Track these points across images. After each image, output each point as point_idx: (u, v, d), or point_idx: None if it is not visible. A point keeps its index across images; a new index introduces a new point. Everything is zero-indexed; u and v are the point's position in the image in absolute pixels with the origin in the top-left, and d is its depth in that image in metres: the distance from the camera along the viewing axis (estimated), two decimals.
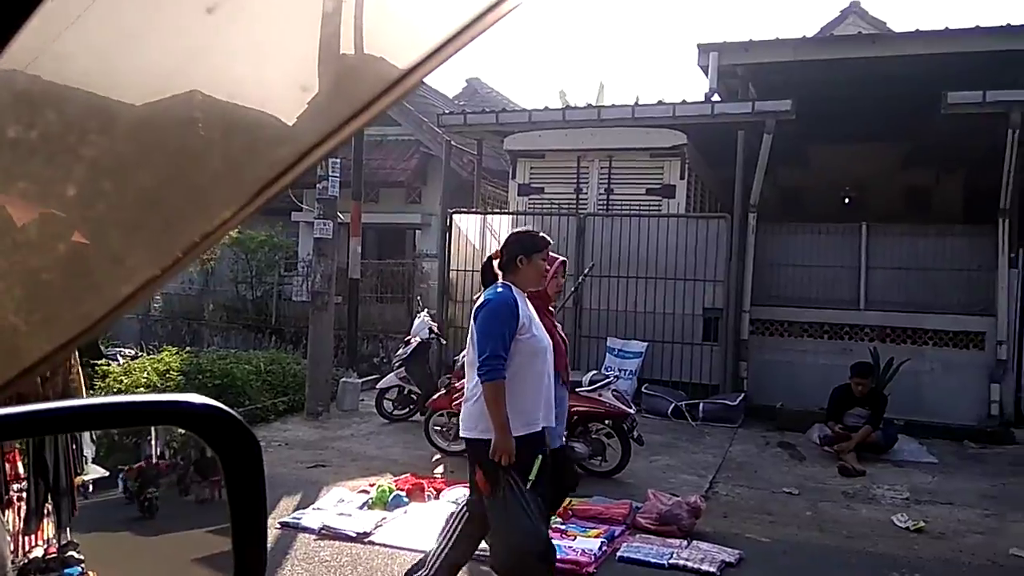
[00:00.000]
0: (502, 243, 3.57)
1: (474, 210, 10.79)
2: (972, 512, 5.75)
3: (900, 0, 31.58)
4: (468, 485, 3.72)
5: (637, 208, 9.92)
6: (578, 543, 4.56)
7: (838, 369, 7.97)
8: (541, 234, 3.65)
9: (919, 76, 9.32)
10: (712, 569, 4.32)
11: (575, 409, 6.12)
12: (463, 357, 6.53)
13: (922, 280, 9.15)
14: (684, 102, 9.66)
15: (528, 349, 3.38)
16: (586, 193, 10.33)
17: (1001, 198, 8.55)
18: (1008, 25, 9.15)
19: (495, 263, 3.55)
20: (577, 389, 6.17)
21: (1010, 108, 8.19)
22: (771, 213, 10.53)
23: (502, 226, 10.27)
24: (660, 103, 9.69)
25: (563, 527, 4.85)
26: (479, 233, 10.36)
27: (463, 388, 3.65)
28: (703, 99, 10.24)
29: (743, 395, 8.92)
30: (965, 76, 8.75)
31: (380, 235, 14.14)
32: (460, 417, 3.57)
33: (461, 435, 3.54)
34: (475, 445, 3.35)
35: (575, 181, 10.38)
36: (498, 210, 11.46)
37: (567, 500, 5.19)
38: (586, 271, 9.17)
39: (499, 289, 3.44)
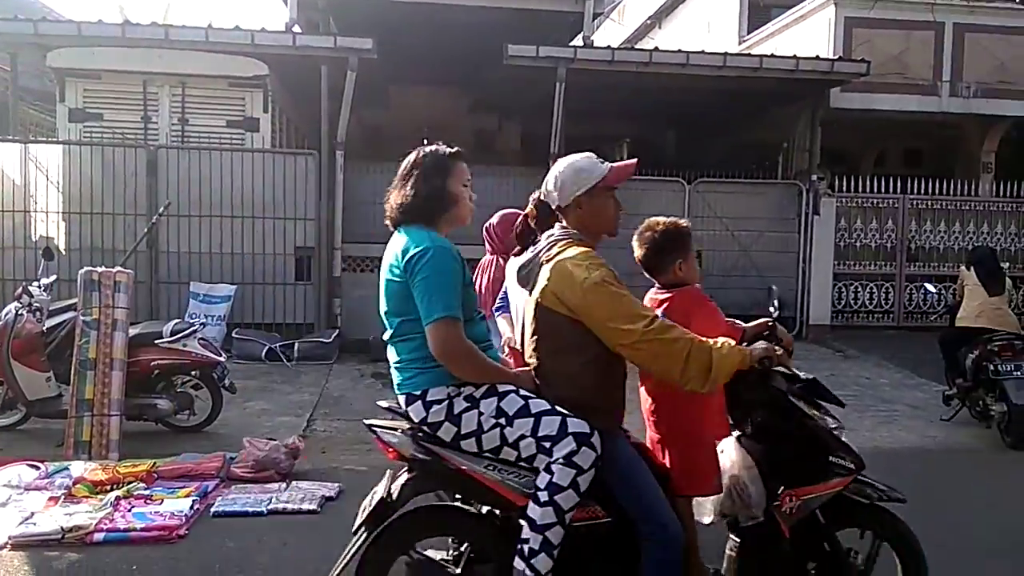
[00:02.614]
0: (536, 200, 2.89)
1: (12, 138, 8.98)
2: None
3: None
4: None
5: (218, 141, 9.22)
6: (166, 506, 4.16)
7: None
8: None
9: (486, 27, 10.14)
10: (313, 506, 4.30)
11: (155, 363, 5.57)
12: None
13: (486, 216, 10.10)
14: (264, 30, 9.15)
15: None
16: (156, 122, 9.27)
17: (551, 144, 9.81)
18: None
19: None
20: (157, 341, 5.60)
21: (558, 64, 9.36)
22: (358, 151, 10.65)
23: (51, 158, 8.75)
24: (237, 28, 9.04)
25: (147, 492, 4.40)
26: (21, 166, 8.68)
27: None
28: (284, 29, 9.82)
29: (337, 331, 9.03)
30: (524, 32, 9.75)
31: None
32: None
33: None
34: None
35: (142, 108, 9.24)
36: (44, 139, 9.72)
37: (152, 463, 4.73)
38: (161, 210, 8.30)
39: None
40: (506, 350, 3.65)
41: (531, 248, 2.80)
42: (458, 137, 13.43)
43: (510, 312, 3.76)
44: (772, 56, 10.24)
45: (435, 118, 13.20)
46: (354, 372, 8.18)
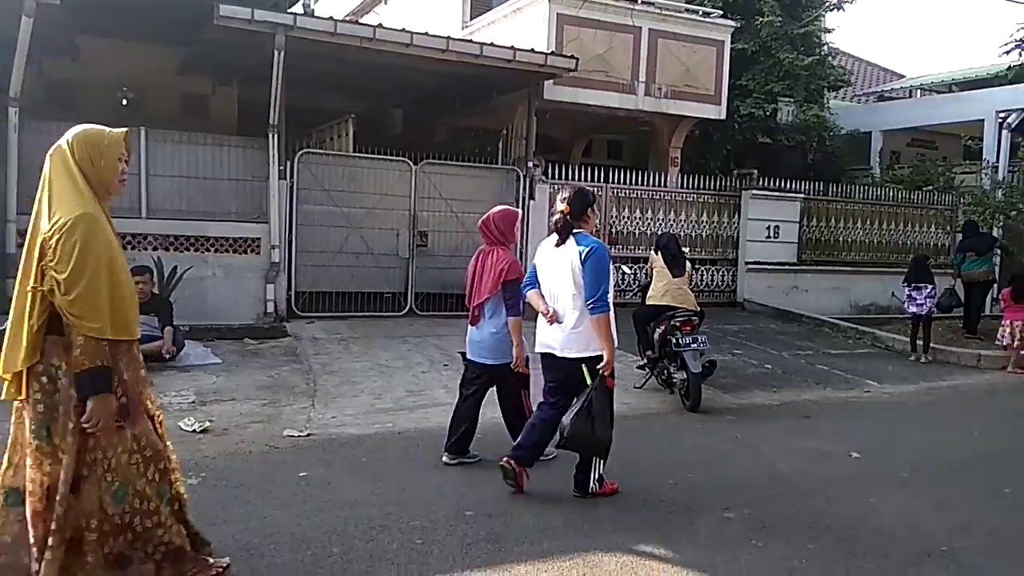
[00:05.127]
0: (570, 198, 4.37)
1: None
2: (252, 404, 6.29)
3: None
4: (559, 392, 4.49)
5: None
6: None
7: None
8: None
9: None
10: None
11: None
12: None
13: (204, 188, 9.39)
14: None
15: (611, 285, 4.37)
16: None
17: (271, 114, 9.30)
18: None
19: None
20: None
21: (276, 30, 8.86)
22: (39, 109, 9.23)
23: None
24: None
25: None
26: None
27: None
28: None
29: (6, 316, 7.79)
30: None
31: None
32: (560, 341, 4.36)
33: (570, 355, 4.33)
34: (591, 360, 4.27)
35: None
36: None
37: None
38: None
39: (592, 237, 4.35)
40: (544, 320, 4.49)
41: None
42: (164, 100, 12.26)
43: (538, 288, 4.57)
44: (492, 45, 10.60)
45: (136, 77, 11.88)
46: None
